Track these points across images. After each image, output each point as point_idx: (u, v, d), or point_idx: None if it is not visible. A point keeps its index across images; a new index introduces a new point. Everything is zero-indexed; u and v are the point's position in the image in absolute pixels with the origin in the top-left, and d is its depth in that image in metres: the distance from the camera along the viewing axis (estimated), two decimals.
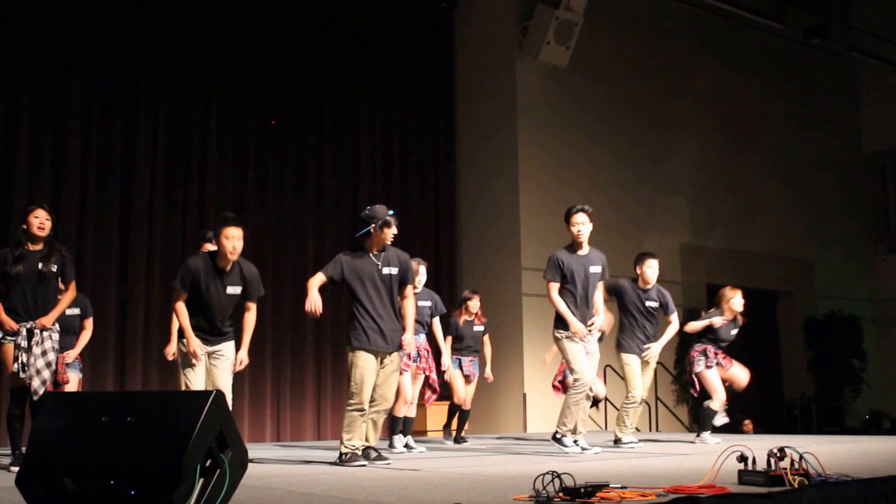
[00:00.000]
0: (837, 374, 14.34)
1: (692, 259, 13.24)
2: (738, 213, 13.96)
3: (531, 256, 11.58)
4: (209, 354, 5.73)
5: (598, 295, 6.75)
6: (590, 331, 6.56)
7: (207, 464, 3.14)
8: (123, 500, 3.03)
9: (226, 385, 5.71)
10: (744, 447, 4.06)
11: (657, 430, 11.50)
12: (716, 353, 7.82)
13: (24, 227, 5.84)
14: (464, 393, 8.41)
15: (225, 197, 10.31)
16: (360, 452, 5.75)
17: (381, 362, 5.87)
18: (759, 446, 4.22)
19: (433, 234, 12.01)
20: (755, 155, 14.35)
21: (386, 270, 5.92)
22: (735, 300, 7.86)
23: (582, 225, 6.56)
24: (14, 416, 5.72)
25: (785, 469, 3.82)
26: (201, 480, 3.08)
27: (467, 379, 8.45)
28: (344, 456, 5.74)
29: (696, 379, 7.84)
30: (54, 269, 5.85)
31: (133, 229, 9.71)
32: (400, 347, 5.95)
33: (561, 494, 3.49)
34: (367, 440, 5.86)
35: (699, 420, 8.10)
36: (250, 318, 5.89)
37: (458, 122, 12.51)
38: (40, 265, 5.79)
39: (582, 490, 3.49)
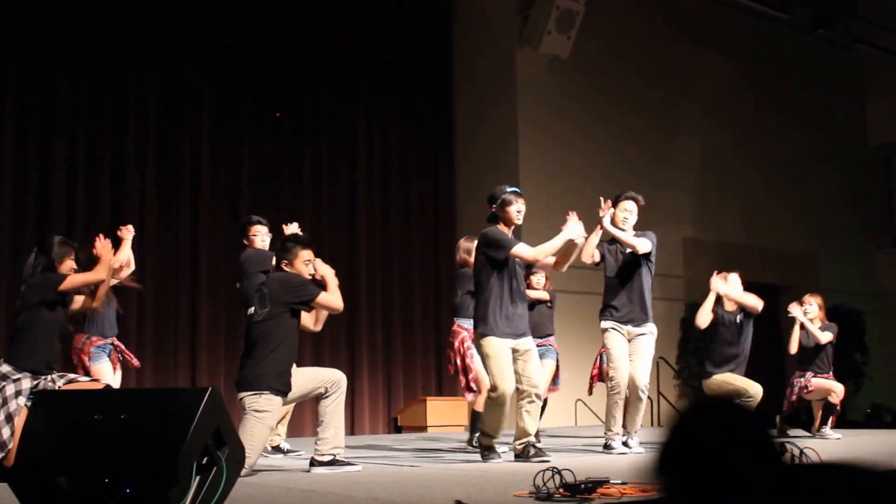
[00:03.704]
0: (839, 367, 14.26)
1: (695, 253, 13.18)
2: (741, 207, 13.88)
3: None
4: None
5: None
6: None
7: (204, 461, 3.12)
8: (119, 498, 3.00)
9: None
10: None
11: (659, 425, 11.47)
12: None
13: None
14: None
15: (219, 191, 10.21)
16: (495, 446, 5.42)
17: (516, 349, 5.47)
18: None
19: (432, 224, 11.90)
20: (758, 147, 14.27)
21: None
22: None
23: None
24: None
25: None
26: (197, 478, 3.05)
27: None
28: (485, 453, 5.41)
29: None
30: None
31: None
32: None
33: (561, 490, 3.46)
34: (524, 434, 5.52)
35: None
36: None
37: (458, 113, 12.38)
38: None
39: (582, 486, 3.46)
